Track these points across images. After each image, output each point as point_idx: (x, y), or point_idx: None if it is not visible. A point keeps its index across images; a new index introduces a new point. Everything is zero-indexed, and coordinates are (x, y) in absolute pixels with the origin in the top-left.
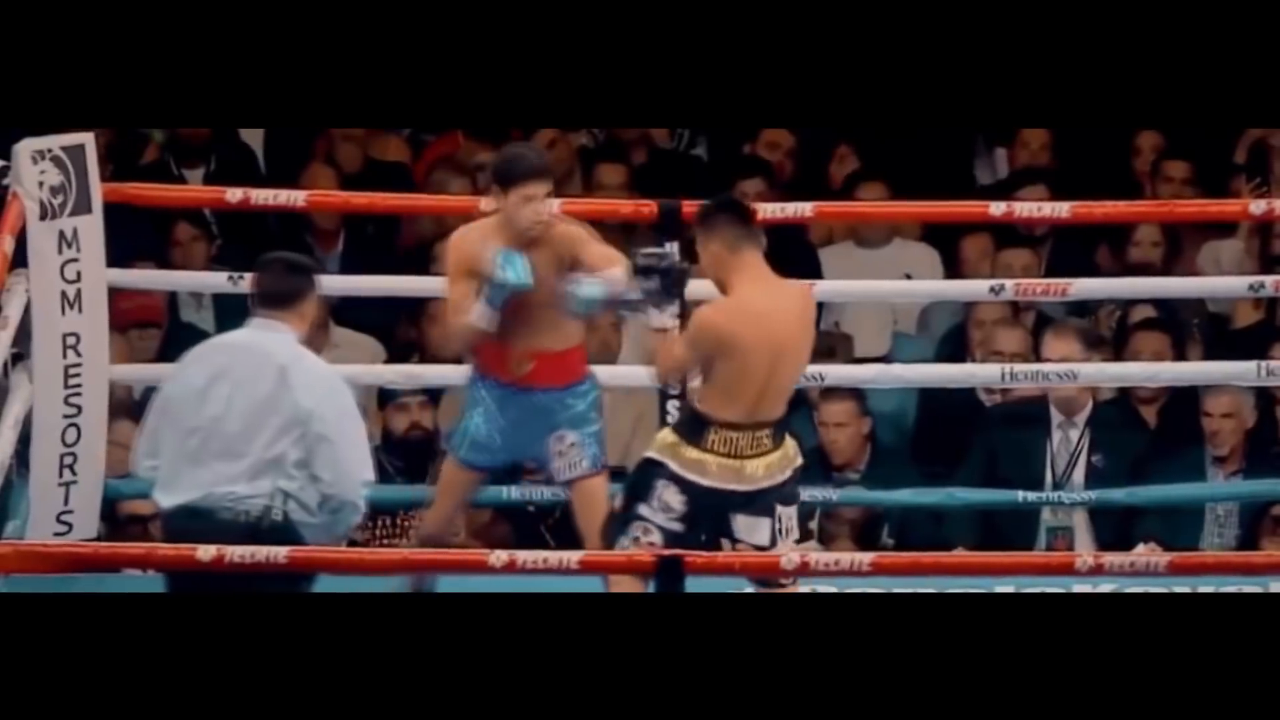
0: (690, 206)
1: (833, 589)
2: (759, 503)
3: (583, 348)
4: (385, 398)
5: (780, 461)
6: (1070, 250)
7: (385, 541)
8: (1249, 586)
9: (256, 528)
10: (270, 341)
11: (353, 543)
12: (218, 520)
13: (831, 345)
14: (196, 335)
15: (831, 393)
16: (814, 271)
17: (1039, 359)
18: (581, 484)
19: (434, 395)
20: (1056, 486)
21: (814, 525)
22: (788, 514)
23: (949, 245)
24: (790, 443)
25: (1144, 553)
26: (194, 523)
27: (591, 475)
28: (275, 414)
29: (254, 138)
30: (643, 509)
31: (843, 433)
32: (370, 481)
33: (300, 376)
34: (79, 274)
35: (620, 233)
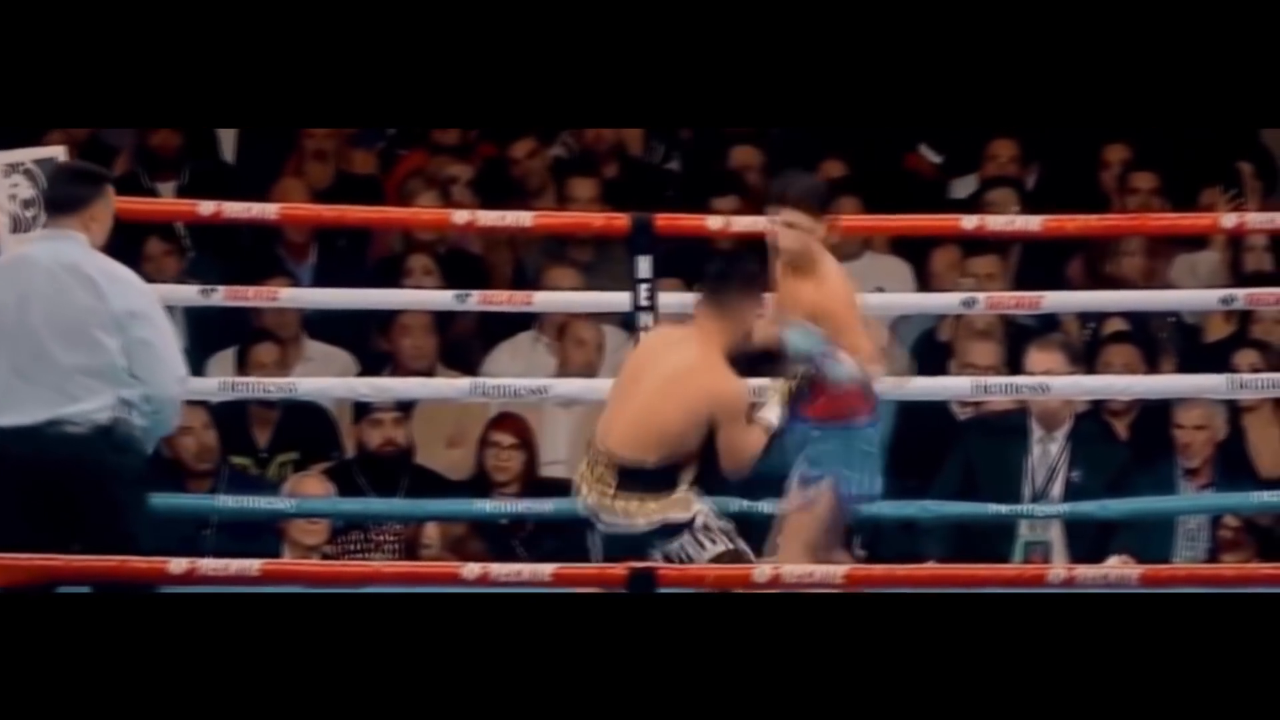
0: (664, 220)
1: None
2: None
3: None
4: (360, 411)
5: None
6: (1040, 260)
7: (357, 554)
8: None
9: (109, 438)
10: (64, 251)
11: (324, 555)
12: (66, 437)
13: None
14: None
15: None
16: None
17: (1012, 372)
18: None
19: (407, 409)
20: (1035, 500)
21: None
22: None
23: (920, 257)
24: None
25: (1116, 565)
26: (35, 445)
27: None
28: (96, 325)
29: (227, 149)
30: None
31: None
32: (184, 378)
33: (110, 284)
34: None
35: (594, 246)
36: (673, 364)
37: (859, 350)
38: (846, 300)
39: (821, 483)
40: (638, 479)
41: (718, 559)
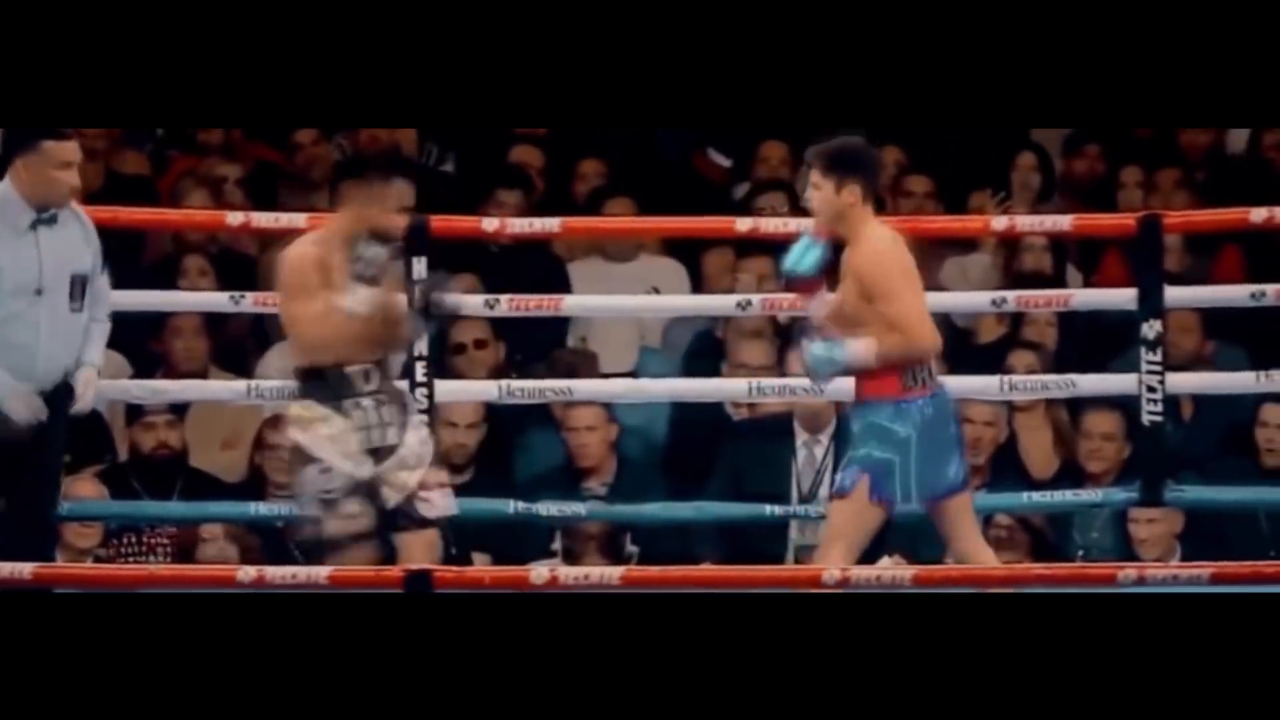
0: (439, 222)
1: None
2: None
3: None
4: (133, 414)
5: None
6: None
7: (130, 557)
8: None
9: None
10: None
11: (98, 558)
12: None
13: (574, 362)
14: None
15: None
16: (563, 286)
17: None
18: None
19: (180, 412)
20: (803, 502)
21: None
22: None
23: (694, 259)
24: None
25: (889, 566)
26: None
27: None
28: None
29: None
30: None
31: (592, 436)
32: None
33: None
34: None
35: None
36: None
37: (904, 319)
38: (886, 267)
39: (852, 469)
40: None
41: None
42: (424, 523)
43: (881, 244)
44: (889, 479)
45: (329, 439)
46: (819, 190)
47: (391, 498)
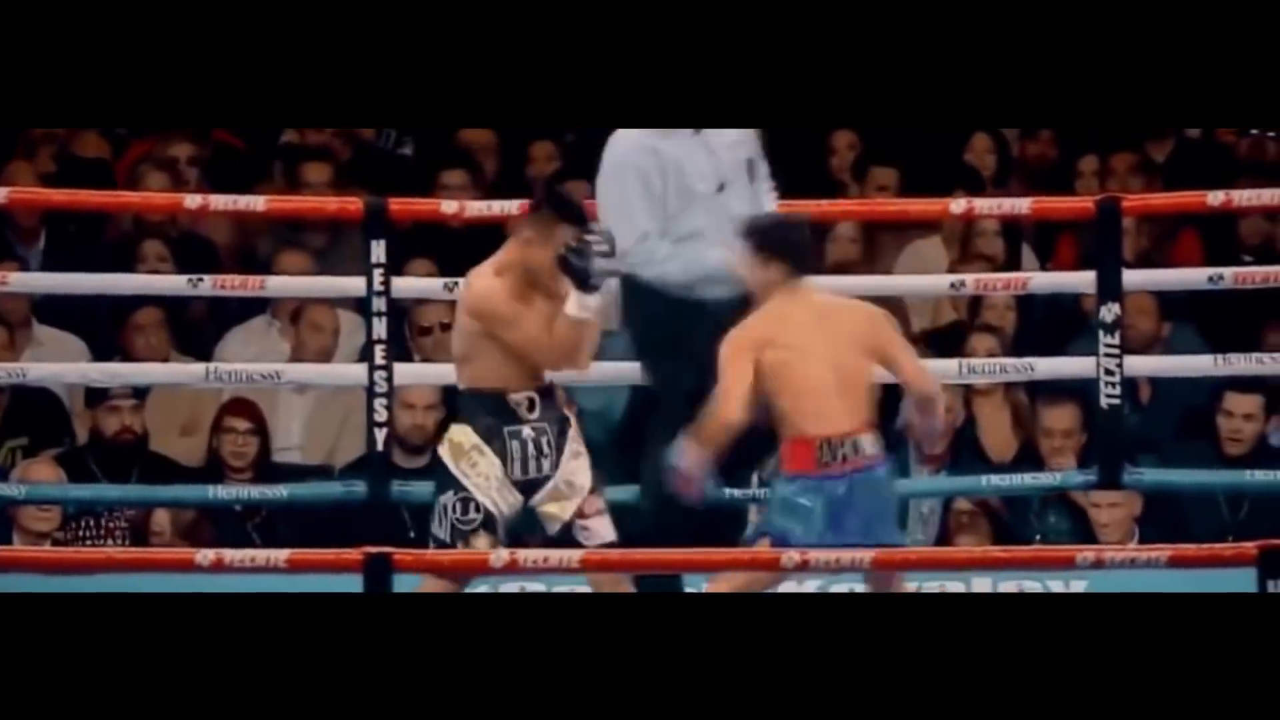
0: (397, 205)
1: (541, 587)
2: None
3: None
4: (94, 397)
5: None
6: None
7: (88, 541)
8: (950, 583)
9: None
10: None
11: (55, 542)
12: None
13: None
14: None
15: None
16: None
17: None
18: None
19: (143, 396)
20: (762, 486)
21: None
22: None
23: None
24: None
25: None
26: None
27: None
28: None
29: None
30: None
31: None
32: None
33: None
34: None
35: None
36: None
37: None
38: (730, 342)
39: (759, 531)
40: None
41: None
42: None
43: (744, 325)
44: (788, 539)
45: (477, 471)
46: (748, 262)
47: (550, 527)
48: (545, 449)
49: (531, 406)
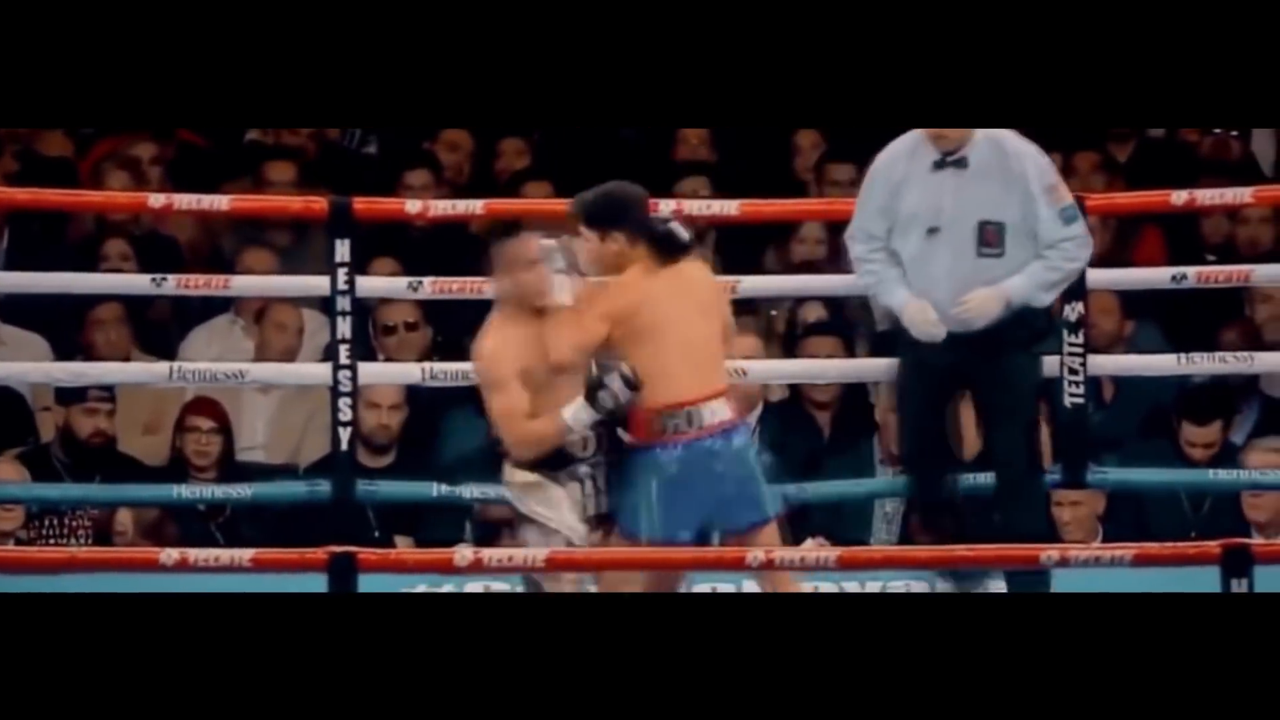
0: (362, 204)
1: (506, 586)
2: None
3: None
4: (68, 397)
5: None
6: (736, 249)
7: (52, 540)
8: (915, 583)
9: None
10: None
11: (18, 541)
12: None
13: None
14: None
15: None
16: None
17: None
18: None
19: (113, 399)
20: None
21: None
22: None
23: None
24: None
25: (813, 548)
26: None
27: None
28: None
29: None
30: None
31: None
32: None
33: None
34: None
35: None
36: None
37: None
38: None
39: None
40: None
41: None
42: None
43: (603, 296)
44: (633, 517)
45: (548, 503)
46: (587, 244)
47: None
48: (602, 484)
49: (585, 445)
